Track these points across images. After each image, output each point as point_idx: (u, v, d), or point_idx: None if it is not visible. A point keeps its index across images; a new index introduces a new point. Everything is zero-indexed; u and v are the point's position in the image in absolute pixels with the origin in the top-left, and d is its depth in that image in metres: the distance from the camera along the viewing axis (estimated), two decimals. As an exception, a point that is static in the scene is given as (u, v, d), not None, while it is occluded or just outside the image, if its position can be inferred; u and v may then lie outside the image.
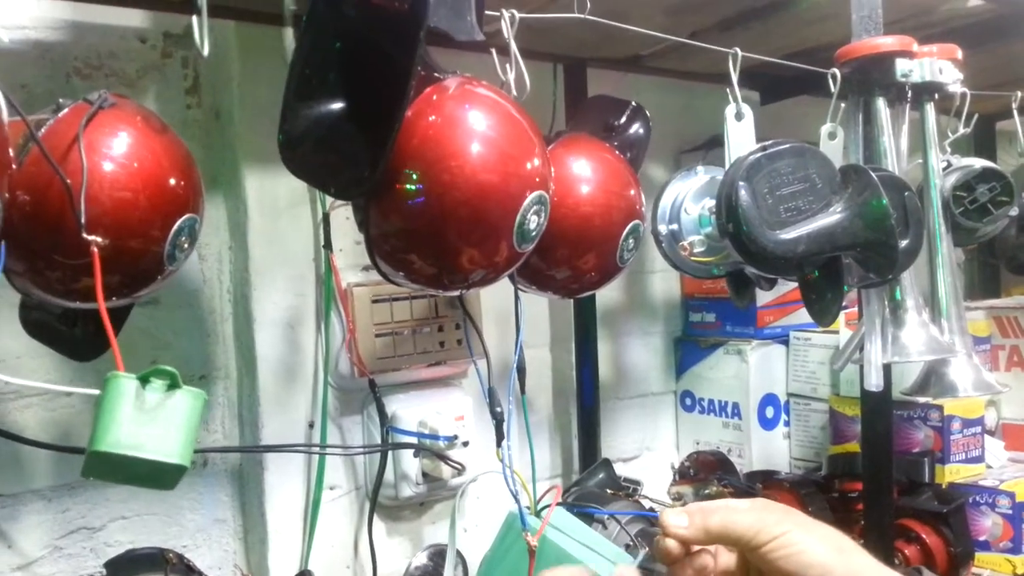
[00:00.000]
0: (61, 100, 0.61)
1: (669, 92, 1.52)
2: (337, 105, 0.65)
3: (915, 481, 1.28)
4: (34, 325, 0.73)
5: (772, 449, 1.51)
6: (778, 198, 0.79)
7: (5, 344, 0.95)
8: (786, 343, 1.51)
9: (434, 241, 0.70)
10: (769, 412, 1.50)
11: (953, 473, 1.33)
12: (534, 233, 0.74)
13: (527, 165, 0.72)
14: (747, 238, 0.78)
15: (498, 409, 0.87)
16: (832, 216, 0.79)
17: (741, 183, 0.78)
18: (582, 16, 0.82)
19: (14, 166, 0.51)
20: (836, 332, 1.39)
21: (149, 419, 0.50)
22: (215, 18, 1.07)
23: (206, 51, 0.63)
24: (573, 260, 0.84)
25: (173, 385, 0.52)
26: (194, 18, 0.63)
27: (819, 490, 1.24)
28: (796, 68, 1.15)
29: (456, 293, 0.84)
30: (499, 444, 0.85)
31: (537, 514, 0.88)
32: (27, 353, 0.96)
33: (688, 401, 1.57)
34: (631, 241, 0.86)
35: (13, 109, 0.54)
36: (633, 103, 0.92)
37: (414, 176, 0.67)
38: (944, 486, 1.31)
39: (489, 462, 1.20)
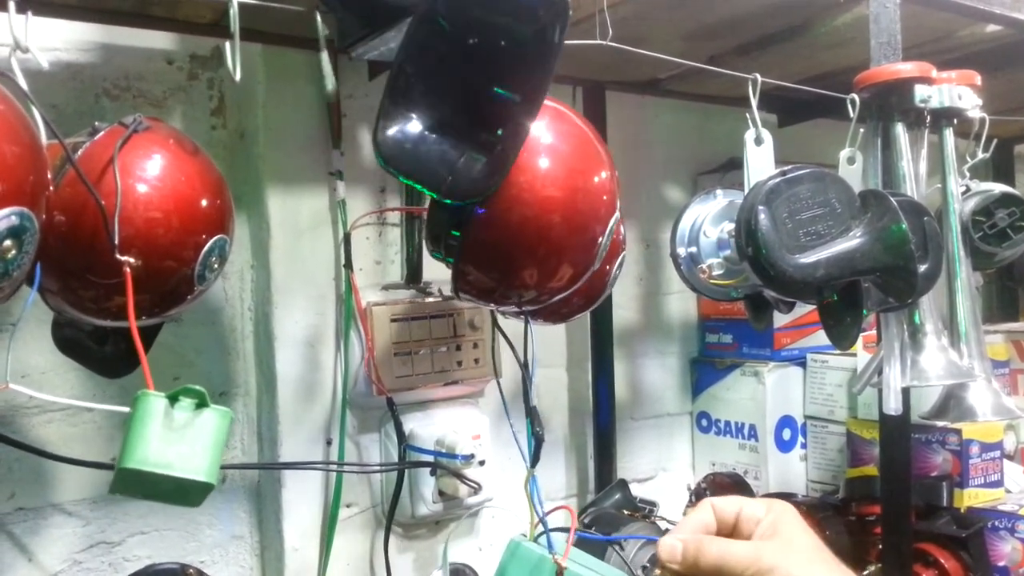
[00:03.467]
0: (97, 123, 0.62)
1: (686, 114, 1.54)
2: (448, 107, 0.63)
3: (933, 505, 1.27)
4: (65, 342, 0.74)
5: (789, 471, 1.50)
6: (797, 222, 0.79)
7: (31, 360, 0.96)
8: (803, 365, 1.51)
9: (538, 254, 0.72)
10: (786, 434, 1.50)
11: (972, 497, 1.32)
12: (605, 252, 0.77)
13: (612, 189, 0.75)
14: (767, 262, 0.78)
15: (538, 429, 0.87)
16: (851, 241, 0.80)
17: (761, 207, 0.79)
18: (604, 42, 0.83)
19: (52, 188, 0.52)
20: (854, 355, 1.39)
21: (177, 437, 0.51)
22: (242, 41, 1.09)
23: (238, 76, 0.64)
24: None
25: (201, 404, 0.53)
26: (227, 44, 0.64)
27: (836, 513, 1.23)
28: (813, 92, 1.15)
29: (534, 308, 0.83)
30: (534, 464, 0.85)
31: (535, 540, 0.88)
32: (52, 369, 0.97)
33: (704, 422, 1.57)
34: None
35: (51, 132, 0.55)
36: None
37: (529, 190, 0.68)
38: (963, 510, 1.30)
39: (506, 481, 1.21)
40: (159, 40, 1.07)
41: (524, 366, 0.85)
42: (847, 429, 1.43)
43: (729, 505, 0.62)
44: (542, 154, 0.68)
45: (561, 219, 0.69)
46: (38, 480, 0.99)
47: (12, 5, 0.54)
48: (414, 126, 0.63)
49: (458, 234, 0.69)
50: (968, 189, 1.07)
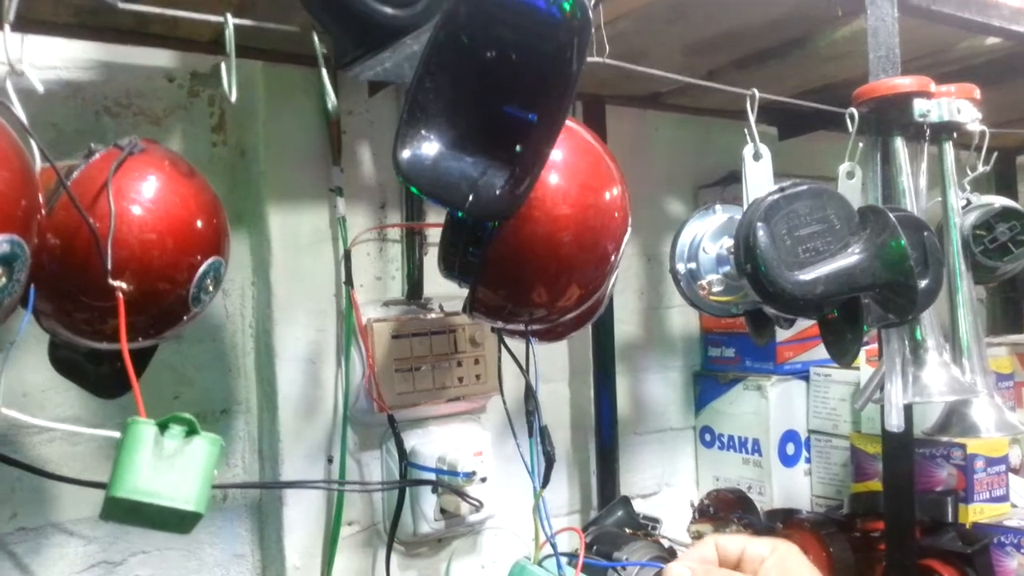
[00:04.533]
0: (92, 145, 0.63)
1: (687, 128, 1.53)
2: (468, 123, 0.63)
3: (938, 521, 1.26)
4: (62, 363, 0.74)
5: (793, 486, 1.49)
6: (796, 239, 0.79)
7: (31, 378, 0.96)
8: (806, 379, 1.50)
9: (556, 270, 0.72)
10: (790, 449, 1.49)
11: (977, 513, 1.31)
12: (615, 271, 0.78)
13: (625, 206, 0.76)
14: (765, 279, 0.78)
15: (549, 449, 0.86)
16: (850, 257, 0.79)
17: (759, 224, 0.78)
18: (602, 59, 0.83)
19: (43, 211, 0.52)
20: (857, 369, 1.38)
21: (167, 466, 0.51)
22: (242, 58, 1.10)
23: (234, 96, 0.64)
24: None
25: (191, 432, 0.53)
26: (222, 64, 0.64)
27: (841, 529, 1.22)
28: (813, 106, 1.15)
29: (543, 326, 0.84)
30: (544, 485, 0.84)
31: (540, 563, 0.87)
32: (52, 387, 0.97)
33: (708, 437, 1.56)
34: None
35: (45, 157, 0.55)
36: None
37: (549, 207, 0.69)
38: (968, 526, 1.29)
39: (509, 498, 1.20)
40: (159, 58, 1.08)
41: (530, 386, 0.84)
42: (851, 444, 1.42)
43: (732, 543, 0.63)
44: (563, 171, 0.68)
45: (583, 235, 0.69)
46: (39, 500, 0.99)
47: (7, 27, 0.54)
48: (433, 143, 0.62)
49: (477, 252, 0.69)
50: (969, 203, 1.07)
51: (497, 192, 0.62)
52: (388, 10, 0.63)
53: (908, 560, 1.02)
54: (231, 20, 0.63)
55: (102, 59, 1.04)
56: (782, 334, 1.42)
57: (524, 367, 0.86)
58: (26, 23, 0.66)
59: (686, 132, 1.54)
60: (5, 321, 0.52)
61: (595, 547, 1.03)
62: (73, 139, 1.02)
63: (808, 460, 1.51)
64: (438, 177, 0.61)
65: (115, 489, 0.51)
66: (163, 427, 0.52)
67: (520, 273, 0.71)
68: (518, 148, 0.62)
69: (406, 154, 0.60)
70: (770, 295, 0.79)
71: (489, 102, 0.62)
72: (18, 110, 0.54)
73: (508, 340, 1.05)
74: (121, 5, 0.56)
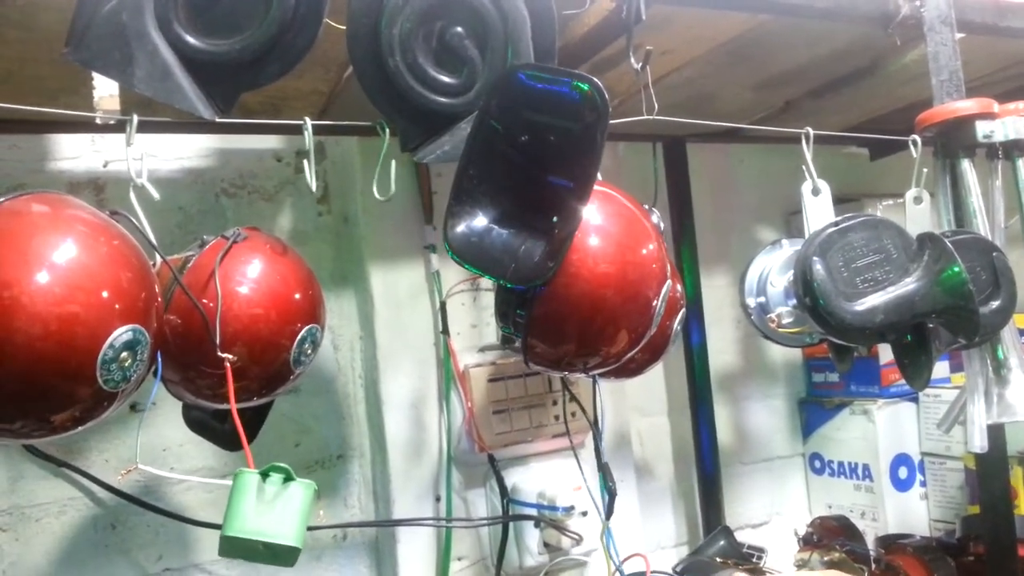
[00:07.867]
0: (204, 237, 0.74)
1: (774, 156, 1.55)
2: (508, 200, 0.71)
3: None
4: (193, 422, 0.85)
5: (909, 511, 1.46)
6: (854, 270, 0.81)
7: (171, 435, 1.09)
8: (915, 400, 1.47)
9: (598, 325, 0.77)
10: (902, 472, 1.46)
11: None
12: (662, 314, 0.82)
13: (661, 258, 0.80)
14: (824, 311, 0.81)
15: (611, 484, 0.91)
16: (909, 285, 0.81)
17: (815, 258, 0.81)
18: (650, 117, 0.88)
19: (160, 300, 0.62)
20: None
21: (268, 508, 0.60)
22: (339, 136, 1.21)
23: (314, 186, 0.73)
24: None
25: (288, 478, 0.61)
26: (305, 162, 0.74)
27: (951, 554, 1.20)
28: (902, 123, 1.15)
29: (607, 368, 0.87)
30: (608, 518, 0.89)
31: None
32: (188, 441, 1.10)
33: (818, 464, 1.55)
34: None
35: (163, 258, 0.66)
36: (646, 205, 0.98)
37: (584, 268, 0.74)
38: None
39: (613, 530, 1.24)
40: (269, 141, 1.20)
41: (596, 424, 0.89)
42: (964, 465, 1.39)
43: None
44: (593, 234, 0.74)
45: (616, 292, 0.74)
46: (182, 543, 1.11)
47: (129, 151, 0.66)
48: (479, 221, 0.71)
49: (523, 312, 0.76)
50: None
51: (536, 260, 0.69)
52: (443, 99, 0.72)
53: (1014, 584, 1.00)
54: (309, 123, 0.73)
55: (219, 146, 1.18)
56: (886, 356, 1.41)
57: (586, 409, 0.91)
58: (155, 125, 0.77)
59: (773, 160, 1.56)
60: (137, 390, 0.62)
61: (684, 576, 1.06)
62: (197, 219, 1.16)
63: (924, 484, 1.48)
64: (483, 251, 0.69)
65: (227, 529, 0.60)
66: (264, 475, 0.61)
67: (562, 329, 0.76)
68: (554, 218, 0.68)
69: (455, 234, 0.68)
70: (830, 326, 0.81)
71: (526, 178, 0.69)
72: (143, 222, 0.65)
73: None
74: (218, 120, 0.66)
